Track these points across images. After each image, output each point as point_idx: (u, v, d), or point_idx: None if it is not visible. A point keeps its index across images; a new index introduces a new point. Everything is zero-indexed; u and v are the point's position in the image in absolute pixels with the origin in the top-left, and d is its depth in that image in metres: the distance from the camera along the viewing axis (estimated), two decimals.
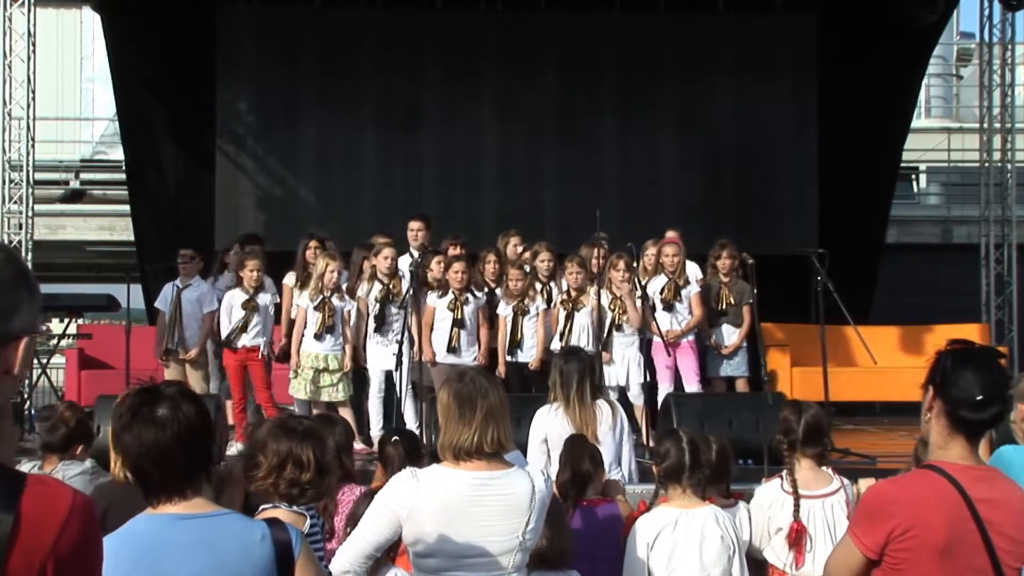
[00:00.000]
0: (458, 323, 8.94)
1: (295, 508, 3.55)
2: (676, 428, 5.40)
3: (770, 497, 4.95)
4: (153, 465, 2.58)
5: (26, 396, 10.44)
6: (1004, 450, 4.69)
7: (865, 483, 5.35)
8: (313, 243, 9.42)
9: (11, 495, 1.80)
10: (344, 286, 9.05)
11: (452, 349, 8.93)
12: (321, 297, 8.82)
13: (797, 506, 4.86)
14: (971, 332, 11.94)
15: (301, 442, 3.63)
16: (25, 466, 5.35)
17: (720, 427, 7.14)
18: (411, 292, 8.74)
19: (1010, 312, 13.09)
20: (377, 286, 9.01)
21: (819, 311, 8.48)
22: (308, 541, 2.95)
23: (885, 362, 10.79)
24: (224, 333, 9.09)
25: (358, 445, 8.37)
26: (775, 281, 9.99)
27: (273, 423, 3.79)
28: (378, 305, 8.93)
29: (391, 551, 3.71)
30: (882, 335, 11.34)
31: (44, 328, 10.91)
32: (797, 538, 4.80)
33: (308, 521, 3.54)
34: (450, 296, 8.97)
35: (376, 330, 8.93)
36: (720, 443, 5.01)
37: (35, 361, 11.62)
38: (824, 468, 5.12)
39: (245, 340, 9.02)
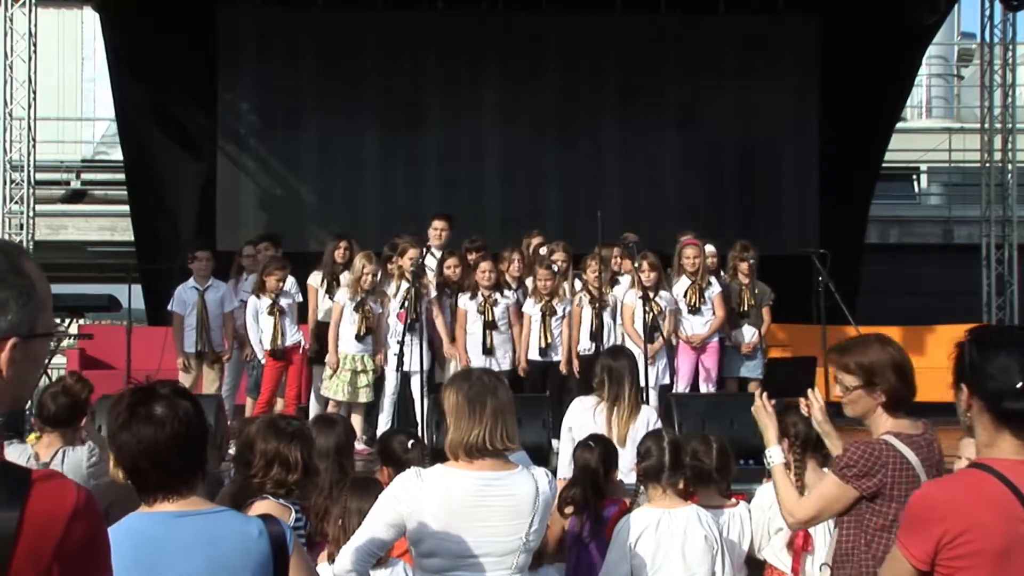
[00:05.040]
0: (490, 325, 8.87)
1: (280, 501, 3.55)
2: (659, 429, 5.38)
3: (771, 497, 4.93)
4: (151, 464, 2.59)
5: None
6: None
7: None
8: (343, 244, 9.41)
9: (17, 493, 1.77)
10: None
11: (488, 351, 8.84)
12: (360, 298, 8.79)
13: None
14: None
15: (290, 443, 3.64)
16: (17, 450, 5.23)
17: (721, 427, 7.13)
18: (412, 293, 8.70)
19: (1011, 312, 13.07)
20: (404, 285, 8.93)
21: (820, 311, 8.48)
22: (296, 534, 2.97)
23: None
24: (252, 338, 9.14)
25: (360, 445, 8.39)
26: (776, 281, 9.99)
27: (263, 422, 3.78)
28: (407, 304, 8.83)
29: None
30: None
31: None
32: (803, 544, 4.78)
33: (293, 514, 3.55)
34: (479, 298, 8.90)
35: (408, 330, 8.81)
36: (720, 443, 5.01)
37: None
38: (825, 470, 5.11)
39: (286, 342, 9.07)
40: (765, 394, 3.84)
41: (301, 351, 9.16)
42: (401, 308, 8.77)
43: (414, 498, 3.33)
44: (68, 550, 1.78)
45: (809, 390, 3.81)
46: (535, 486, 3.42)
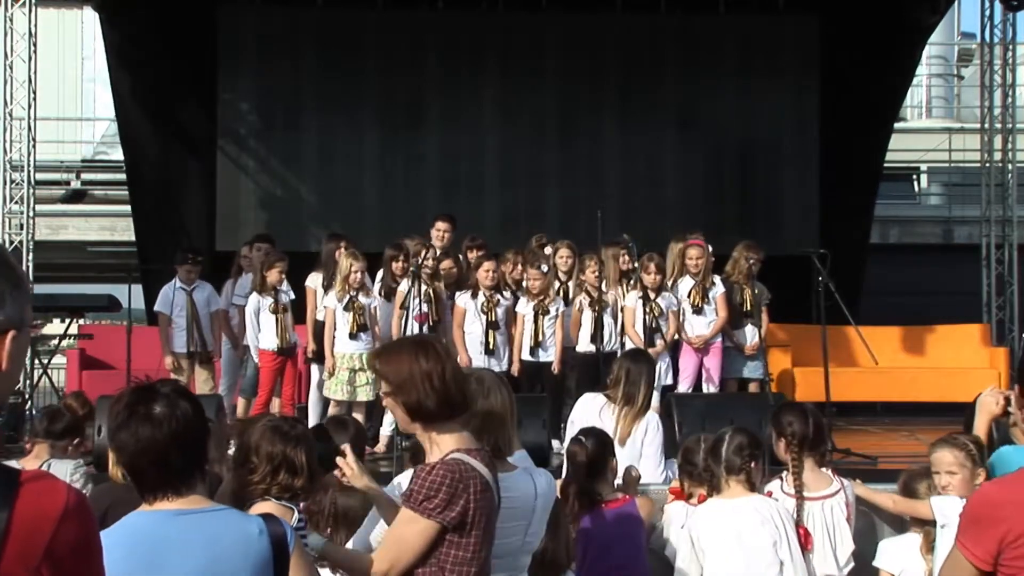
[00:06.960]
0: (492, 325, 8.83)
1: (283, 503, 3.55)
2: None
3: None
4: (149, 462, 2.60)
5: (27, 396, 10.43)
6: (1004, 451, 4.69)
7: (857, 485, 5.37)
8: (343, 244, 9.40)
9: (5, 493, 1.76)
10: (374, 284, 9.03)
11: (490, 351, 8.80)
12: (348, 297, 8.76)
13: (800, 509, 4.85)
14: (972, 332, 11.95)
15: (296, 447, 3.60)
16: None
17: (721, 427, 7.13)
18: (431, 295, 8.68)
19: (1011, 312, 13.07)
20: (420, 287, 8.77)
21: (820, 311, 8.47)
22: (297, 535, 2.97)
23: (886, 362, 10.78)
24: (250, 337, 9.12)
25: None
26: (776, 281, 9.98)
27: (265, 425, 3.75)
28: (424, 304, 8.73)
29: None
30: (883, 335, 11.33)
31: (38, 323, 10.83)
32: (803, 543, 4.78)
33: (295, 516, 3.54)
34: (482, 298, 8.86)
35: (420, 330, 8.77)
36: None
37: (36, 361, 11.63)
38: (824, 469, 5.12)
39: (291, 339, 9.08)
40: None
41: (298, 351, 9.18)
42: (425, 309, 8.70)
43: None
44: (58, 551, 1.77)
45: (339, 459, 3.44)
46: (534, 487, 3.41)
